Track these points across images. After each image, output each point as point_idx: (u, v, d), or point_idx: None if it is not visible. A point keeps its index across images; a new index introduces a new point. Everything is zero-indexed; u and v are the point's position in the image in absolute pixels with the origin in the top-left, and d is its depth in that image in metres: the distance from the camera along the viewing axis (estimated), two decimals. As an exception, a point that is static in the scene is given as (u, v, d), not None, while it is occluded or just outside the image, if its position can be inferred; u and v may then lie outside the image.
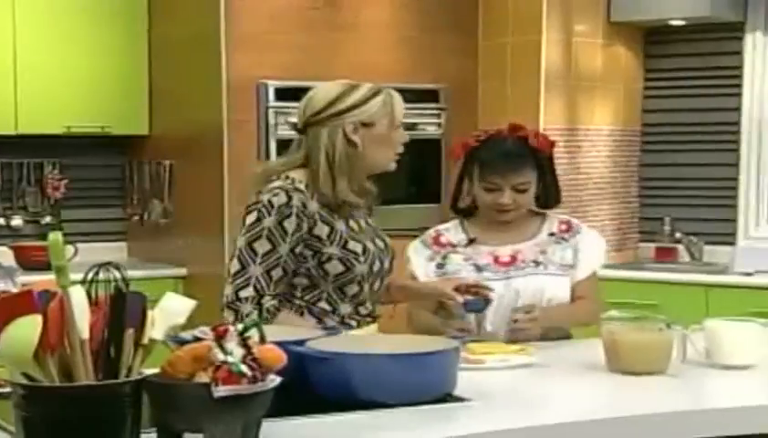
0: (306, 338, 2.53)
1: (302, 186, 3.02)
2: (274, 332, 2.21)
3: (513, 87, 5.84)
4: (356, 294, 3.07)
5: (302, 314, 3.04)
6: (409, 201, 5.72)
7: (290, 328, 2.84)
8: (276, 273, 2.98)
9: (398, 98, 3.10)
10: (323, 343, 2.51)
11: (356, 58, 5.55)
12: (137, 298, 1.99)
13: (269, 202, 2.98)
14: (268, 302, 2.96)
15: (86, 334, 1.93)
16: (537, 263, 3.45)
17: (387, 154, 3.10)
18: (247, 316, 2.92)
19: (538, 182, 3.47)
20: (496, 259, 3.46)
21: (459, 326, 3.27)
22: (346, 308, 3.07)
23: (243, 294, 2.97)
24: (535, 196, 3.49)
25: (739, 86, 6.06)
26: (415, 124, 5.69)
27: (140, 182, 5.89)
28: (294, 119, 5.23)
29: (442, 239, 3.53)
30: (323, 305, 3.05)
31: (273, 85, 5.31)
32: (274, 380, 2.03)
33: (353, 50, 5.56)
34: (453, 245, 3.50)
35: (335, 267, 3.03)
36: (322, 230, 3.02)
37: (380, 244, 3.16)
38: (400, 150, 3.12)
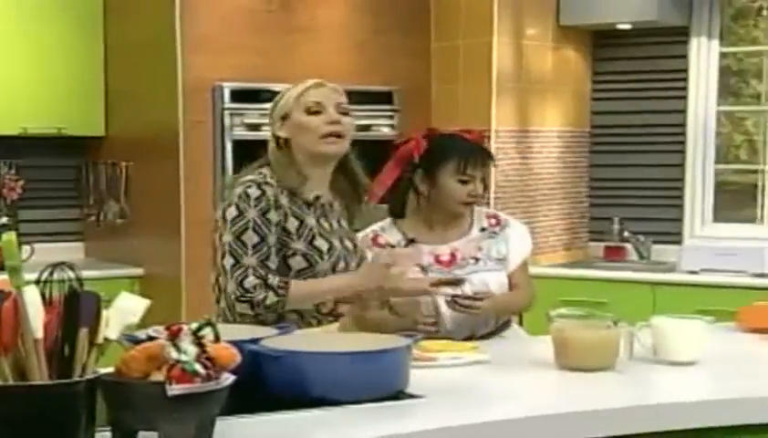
0: (261, 336, 2.52)
1: (272, 181, 3.05)
2: (228, 331, 2.20)
3: (465, 88, 5.84)
4: None
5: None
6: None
7: (245, 326, 2.83)
8: (272, 262, 2.99)
9: (312, 86, 3.14)
10: (277, 341, 2.50)
11: (310, 61, 5.53)
12: (91, 298, 1.97)
13: (245, 193, 3.00)
14: (274, 281, 2.96)
15: (40, 334, 1.91)
16: (476, 259, 3.53)
17: (310, 139, 3.08)
18: (264, 300, 2.94)
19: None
20: (437, 258, 3.51)
21: (427, 321, 3.30)
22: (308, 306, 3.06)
23: (247, 284, 2.96)
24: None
25: (684, 88, 6.11)
26: (369, 125, 5.70)
27: (96, 183, 5.84)
28: (250, 121, 5.31)
29: (380, 240, 3.54)
30: None
31: (228, 87, 5.28)
32: (228, 379, 2.01)
33: (307, 52, 5.55)
34: (392, 246, 3.51)
35: (298, 263, 3.03)
36: (292, 224, 3.04)
37: (349, 245, 3.17)
38: (324, 131, 3.08)
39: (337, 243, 3.11)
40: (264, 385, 2.41)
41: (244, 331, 2.57)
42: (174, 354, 1.96)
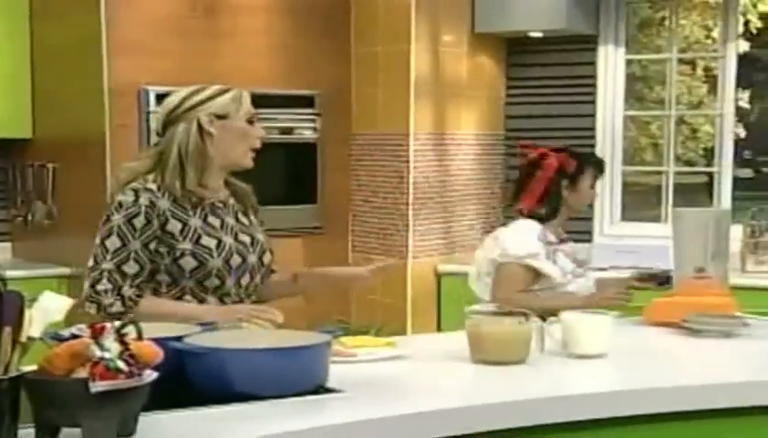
0: (185, 334, 2.50)
1: (152, 186, 3.00)
2: (150, 329, 2.18)
3: (384, 93, 5.85)
4: (217, 287, 3.05)
5: None
6: (286, 202, 5.69)
7: (170, 324, 2.80)
8: (129, 268, 2.97)
9: (246, 94, 3.14)
10: (200, 338, 2.48)
11: (234, 65, 5.51)
12: (14, 297, 1.94)
13: (118, 202, 2.98)
14: (128, 291, 2.95)
15: (-37, 333, 1.88)
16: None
17: (242, 148, 3.10)
18: (110, 306, 2.91)
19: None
20: (575, 258, 4.14)
21: None
22: (211, 301, 3.04)
23: (99, 287, 2.95)
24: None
25: (593, 94, 6.17)
26: (291, 128, 5.69)
27: (23, 185, 5.75)
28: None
29: (548, 238, 4.06)
30: (188, 299, 3.03)
31: (153, 90, 5.23)
32: (150, 375, 2.00)
33: (231, 57, 5.52)
34: (552, 243, 4.05)
35: (188, 263, 3.01)
36: (175, 226, 3.00)
37: (245, 239, 3.14)
38: (257, 145, 3.12)
39: (228, 239, 3.08)
40: (188, 381, 2.38)
41: (168, 329, 2.54)
42: (97, 352, 1.94)
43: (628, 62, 6.27)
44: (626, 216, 6.29)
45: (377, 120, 5.88)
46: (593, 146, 6.19)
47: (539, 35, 6.09)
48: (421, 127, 5.79)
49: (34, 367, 1.99)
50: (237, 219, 3.16)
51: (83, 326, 2.01)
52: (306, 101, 5.77)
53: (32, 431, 1.98)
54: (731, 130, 6.01)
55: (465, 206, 6.15)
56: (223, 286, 3.06)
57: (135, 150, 5.22)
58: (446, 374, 2.82)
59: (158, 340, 2.13)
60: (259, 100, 5.48)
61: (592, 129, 6.18)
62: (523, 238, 4.00)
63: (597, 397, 2.62)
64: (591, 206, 4.33)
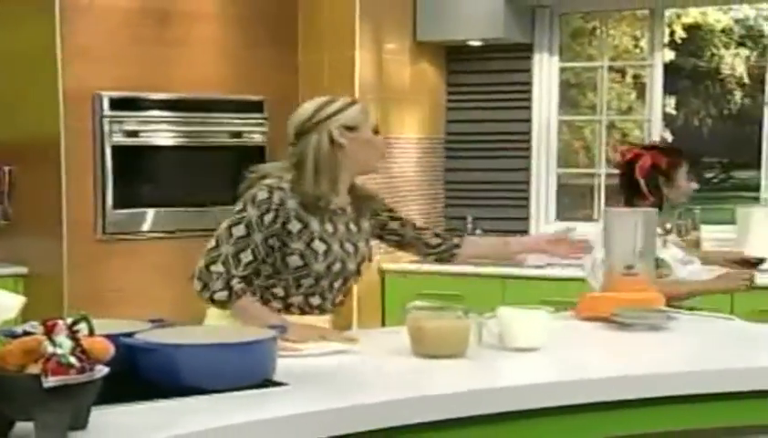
0: (135, 330, 2.48)
1: (285, 185, 3.08)
2: (103, 325, 2.15)
3: (330, 99, 5.83)
4: (310, 286, 3.14)
5: (256, 294, 3.10)
6: (234, 203, 5.64)
7: (121, 321, 2.77)
8: (245, 256, 3.04)
9: (364, 104, 3.26)
10: (150, 335, 2.46)
11: (186, 72, 5.49)
12: (-32, 296, 1.91)
13: (253, 195, 3.06)
14: (237, 285, 3.02)
15: None
16: None
17: (373, 156, 3.22)
18: (216, 292, 3.01)
19: None
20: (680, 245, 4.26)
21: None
22: (297, 298, 3.14)
23: (213, 268, 3.02)
24: None
25: (529, 99, 6.20)
26: (241, 132, 5.67)
27: (-19, 186, 5.68)
28: (128, 127, 5.23)
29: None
30: (277, 290, 3.13)
31: (107, 95, 5.20)
32: (101, 371, 1.98)
33: (183, 64, 5.49)
34: (661, 235, 4.05)
35: (294, 261, 3.09)
36: (295, 226, 3.08)
37: (350, 247, 3.20)
38: (384, 152, 3.28)
39: (336, 246, 3.15)
40: (139, 376, 2.36)
41: (119, 325, 2.52)
42: (50, 348, 1.92)
43: (562, 70, 6.31)
44: (560, 216, 6.33)
45: (323, 125, 5.86)
46: (528, 149, 6.23)
47: (478, 43, 6.11)
48: (366, 131, 5.77)
49: (-13, 363, 1.96)
50: (348, 227, 3.23)
51: (36, 323, 1.98)
52: (255, 106, 5.75)
53: (-14, 425, 1.95)
54: (658, 135, 6.07)
55: (408, 206, 6.15)
56: (317, 285, 3.15)
57: (90, 152, 5.20)
58: (388, 367, 2.81)
59: (109, 336, 2.10)
60: (209, 106, 5.58)
61: (528, 133, 6.22)
62: None
63: (535, 388, 2.62)
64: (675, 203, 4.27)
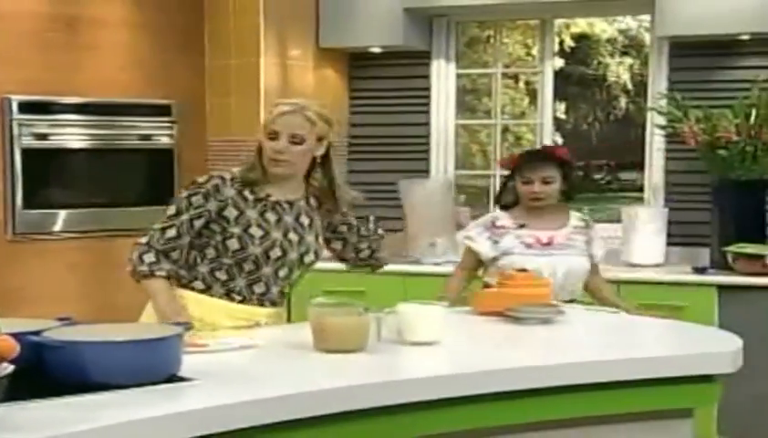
0: (43, 328, 2.42)
1: (227, 175, 3.30)
2: (10, 324, 2.11)
3: (236, 102, 5.80)
4: (251, 271, 3.28)
5: (204, 280, 3.29)
6: (145, 203, 5.58)
7: (29, 320, 2.71)
8: (170, 232, 3.25)
9: (283, 110, 3.31)
10: (58, 333, 2.41)
11: (95, 76, 5.42)
12: None
13: (192, 180, 3.31)
14: (150, 257, 3.22)
15: None
16: (568, 246, 4.11)
17: (265, 158, 3.31)
18: (130, 261, 3.24)
19: (562, 180, 4.15)
20: (538, 240, 4.09)
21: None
22: (240, 282, 3.28)
23: (140, 241, 3.27)
24: (561, 191, 4.16)
25: (427, 104, 6.23)
26: (150, 135, 5.62)
27: None
28: (38, 131, 5.13)
29: (498, 223, 4.14)
30: (220, 274, 3.28)
31: (16, 99, 5.10)
32: (6, 369, 1.93)
33: (92, 69, 5.42)
34: (506, 228, 4.11)
35: (233, 244, 3.25)
36: (231, 213, 3.25)
37: (294, 237, 3.34)
38: (271, 156, 3.29)
39: (276, 234, 3.29)
40: (48, 373, 2.31)
41: (27, 324, 2.46)
42: (-45, 347, 1.87)
43: (459, 76, 6.35)
44: (457, 215, 6.35)
45: (230, 128, 5.83)
46: (428, 152, 6.26)
47: (378, 50, 6.12)
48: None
49: None
50: (298, 219, 3.38)
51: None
52: (163, 110, 5.69)
53: None
54: (549, 138, 6.15)
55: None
56: (258, 271, 3.28)
57: (-1, 154, 5.10)
58: (291, 362, 2.79)
59: (15, 335, 2.06)
60: (118, 109, 5.50)
61: (427, 136, 6.25)
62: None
63: (432, 380, 2.63)
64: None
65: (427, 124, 6.25)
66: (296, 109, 3.30)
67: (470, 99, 6.74)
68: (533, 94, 7.53)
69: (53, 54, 5.26)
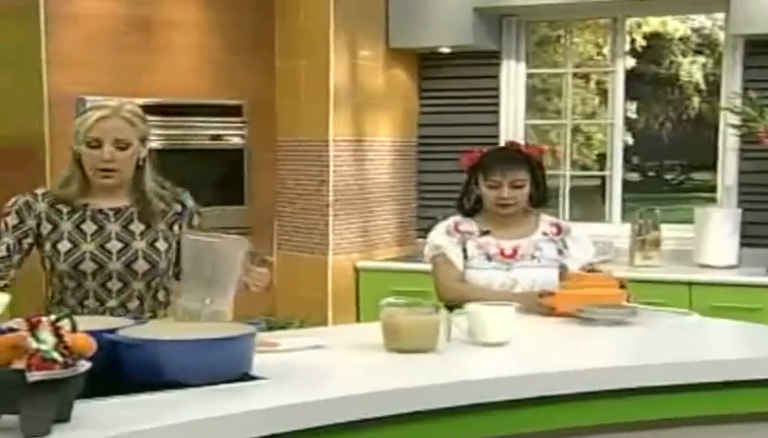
0: (118, 326, 2.46)
1: (39, 191, 3.10)
2: (88, 322, 2.15)
3: (306, 103, 5.83)
4: (74, 288, 3.06)
5: (72, 309, 2.99)
6: (217, 204, 5.62)
7: (102, 318, 2.76)
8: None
9: (98, 116, 3.06)
10: (133, 331, 2.44)
11: (166, 78, 5.47)
12: (-45, 294, 1.89)
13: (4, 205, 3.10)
14: None
15: None
16: (533, 257, 3.70)
17: (88, 169, 3.08)
18: None
19: (531, 182, 3.71)
20: (502, 251, 3.69)
21: None
22: (71, 301, 3.06)
23: None
24: (529, 195, 3.71)
25: (497, 104, 6.20)
26: (220, 135, 5.66)
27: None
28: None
29: (461, 227, 3.75)
30: (68, 298, 3.07)
31: (90, 100, 5.14)
32: (84, 366, 1.97)
33: (164, 70, 5.47)
34: (470, 234, 3.72)
35: (46, 262, 3.09)
36: (46, 228, 3.05)
37: (114, 246, 3.07)
38: (98, 166, 3.05)
39: (88, 246, 3.05)
40: (122, 371, 2.34)
41: (102, 322, 2.51)
42: (34, 343, 1.91)
43: (529, 76, 6.31)
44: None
45: (299, 128, 5.86)
46: (497, 152, 6.22)
47: (448, 50, 6.11)
48: (340, 134, 5.77)
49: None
50: (126, 227, 3.11)
51: (20, 319, 1.97)
52: (234, 110, 5.73)
53: (-28, 419, 1.93)
54: (620, 138, 6.09)
55: (381, 207, 6.15)
56: (80, 288, 3.06)
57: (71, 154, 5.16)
58: (362, 362, 2.80)
59: (92, 332, 2.09)
60: (190, 110, 5.55)
61: (496, 137, 6.21)
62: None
63: (502, 381, 2.62)
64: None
65: (496, 124, 6.22)
66: (113, 112, 3.05)
67: (540, 99, 6.71)
68: (603, 94, 7.47)
69: (126, 55, 5.33)
